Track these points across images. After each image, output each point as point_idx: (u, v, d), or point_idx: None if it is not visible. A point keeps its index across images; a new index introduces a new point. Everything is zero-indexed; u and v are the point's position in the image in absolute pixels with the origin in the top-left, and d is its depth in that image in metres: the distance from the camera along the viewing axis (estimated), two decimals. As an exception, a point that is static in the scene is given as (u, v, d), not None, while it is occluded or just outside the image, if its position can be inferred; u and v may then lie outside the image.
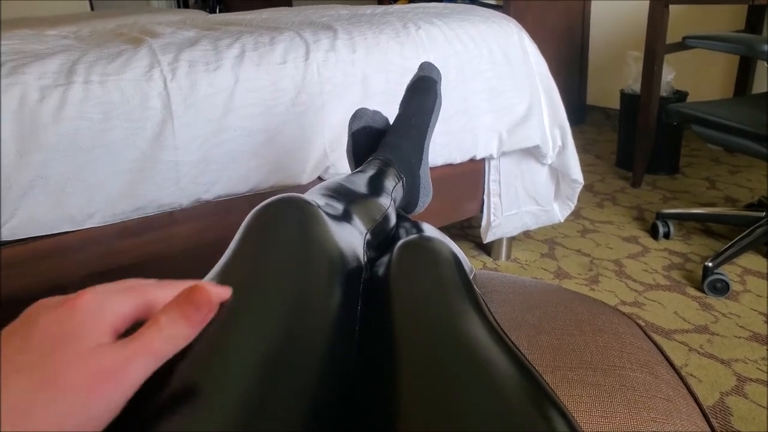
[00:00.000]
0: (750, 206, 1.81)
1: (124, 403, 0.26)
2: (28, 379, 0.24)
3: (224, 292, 0.32)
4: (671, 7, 1.98)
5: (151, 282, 0.31)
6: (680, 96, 2.21)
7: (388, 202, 0.63)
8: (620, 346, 0.55)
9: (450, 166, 1.39)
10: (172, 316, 0.29)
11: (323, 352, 0.34)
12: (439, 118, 0.84)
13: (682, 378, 0.55)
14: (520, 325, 0.58)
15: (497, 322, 0.39)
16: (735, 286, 1.47)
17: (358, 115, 0.83)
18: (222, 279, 0.37)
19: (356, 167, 0.79)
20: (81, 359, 0.26)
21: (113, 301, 0.29)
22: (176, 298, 0.30)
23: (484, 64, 1.36)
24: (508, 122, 1.41)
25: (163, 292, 0.31)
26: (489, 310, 0.41)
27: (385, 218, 0.60)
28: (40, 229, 0.93)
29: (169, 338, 0.28)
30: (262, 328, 0.33)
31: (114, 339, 0.28)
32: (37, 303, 0.28)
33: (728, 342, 1.27)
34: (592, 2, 2.86)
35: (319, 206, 0.47)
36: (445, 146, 1.33)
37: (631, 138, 2.21)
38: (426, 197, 0.81)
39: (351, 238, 0.48)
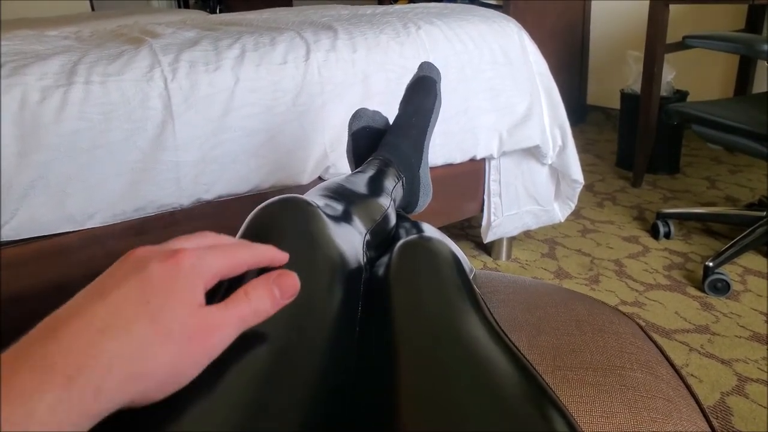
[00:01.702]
0: (750, 206, 1.81)
1: (207, 365, 0.29)
2: (148, 327, 0.27)
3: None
4: (671, 6, 1.98)
5: (230, 241, 0.35)
6: (680, 96, 2.20)
7: (387, 203, 0.63)
8: (620, 346, 0.55)
9: (450, 165, 1.39)
10: (261, 293, 0.32)
11: (323, 352, 0.35)
12: (439, 118, 0.84)
13: (682, 378, 0.55)
14: (520, 325, 0.58)
15: (497, 322, 0.40)
16: (736, 286, 1.47)
17: (358, 115, 0.83)
18: None
19: (356, 167, 0.79)
20: (189, 316, 0.28)
21: (208, 261, 0.31)
22: (265, 277, 0.33)
23: (484, 64, 1.36)
24: (508, 122, 1.41)
25: (243, 253, 0.34)
26: (489, 310, 0.41)
27: (385, 218, 0.60)
28: (41, 229, 0.93)
29: (255, 312, 0.31)
30: (262, 327, 0.33)
31: (204, 294, 0.30)
32: (138, 250, 0.30)
33: (729, 342, 1.26)
34: (593, 2, 2.86)
35: (318, 207, 0.47)
36: (445, 146, 1.33)
37: (631, 138, 2.21)
38: (426, 197, 0.81)
39: (351, 238, 0.48)
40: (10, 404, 0.22)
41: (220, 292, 0.33)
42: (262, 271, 0.35)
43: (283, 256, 0.36)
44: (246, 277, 0.34)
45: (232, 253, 0.33)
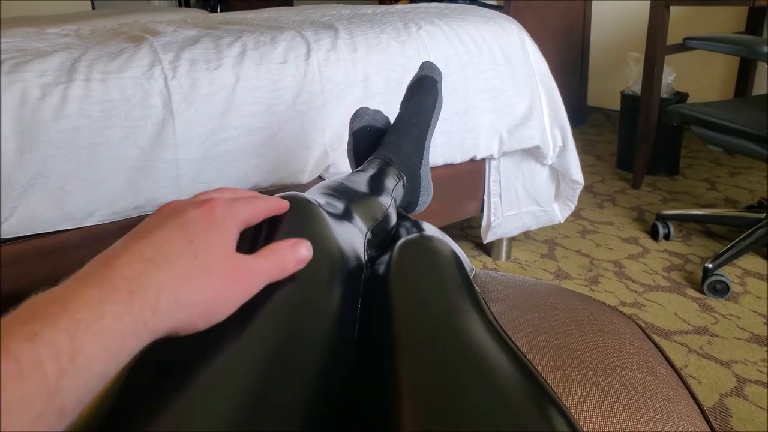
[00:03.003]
0: (750, 208, 1.81)
1: (239, 305, 0.32)
2: (190, 262, 0.30)
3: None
4: (672, 8, 1.98)
5: (247, 193, 0.39)
6: (681, 97, 2.21)
7: (388, 201, 0.63)
8: (620, 346, 0.55)
9: (450, 165, 1.39)
10: (285, 251, 0.36)
11: (323, 351, 0.34)
12: (439, 118, 0.84)
13: (682, 378, 0.55)
14: (520, 325, 0.58)
15: (497, 321, 0.39)
16: (735, 288, 1.47)
17: (359, 114, 0.83)
18: None
19: (357, 166, 0.79)
20: (225, 256, 0.32)
21: (236, 210, 0.35)
22: (286, 242, 0.37)
23: (485, 64, 1.36)
24: (508, 122, 1.41)
25: (260, 203, 0.38)
26: (489, 309, 0.41)
27: (386, 217, 0.60)
28: (40, 226, 0.93)
29: (280, 266, 0.35)
30: (261, 326, 0.33)
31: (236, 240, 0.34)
32: (173, 202, 0.34)
33: (728, 343, 1.26)
34: (593, 3, 2.86)
35: (319, 205, 0.47)
36: (445, 146, 1.33)
37: (631, 139, 2.21)
38: (426, 197, 0.81)
39: (351, 236, 0.48)
40: (80, 310, 0.25)
41: (244, 242, 0.36)
42: (270, 225, 0.40)
43: (285, 204, 0.42)
44: (261, 231, 0.39)
45: (254, 202, 0.37)
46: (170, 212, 0.33)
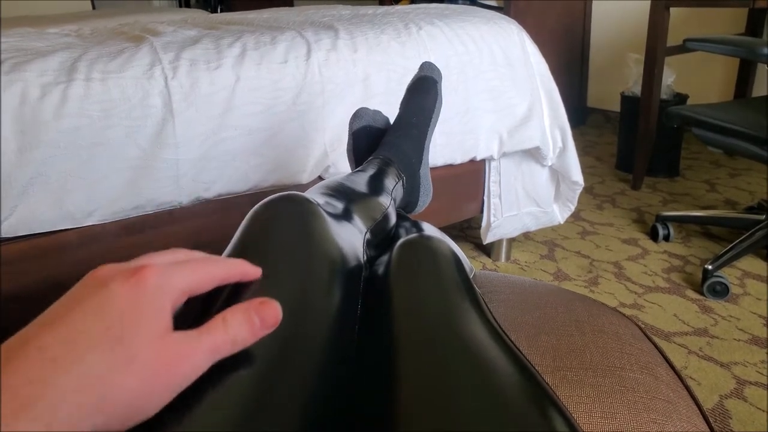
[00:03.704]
0: (750, 209, 1.81)
1: (176, 394, 0.27)
2: (107, 356, 0.25)
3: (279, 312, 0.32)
4: (672, 9, 1.98)
5: (201, 256, 0.33)
6: (681, 99, 2.21)
7: (388, 202, 0.63)
8: (620, 347, 0.55)
9: (450, 166, 1.39)
10: (239, 320, 0.29)
11: (323, 351, 0.34)
12: (439, 119, 0.84)
13: (682, 380, 0.55)
14: (519, 326, 0.58)
15: (497, 322, 0.39)
16: (735, 289, 1.47)
17: (359, 114, 0.83)
18: None
19: (356, 166, 0.79)
20: (155, 343, 0.26)
21: (175, 278, 0.29)
22: (246, 305, 0.30)
23: (485, 64, 1.36)
24: (508, 123, 1.41)
25: (212, 267, 0.32)
26: (489, 310, 0.41)
27: (385, 217, 0.60)
28: (40, 226, 0.93)
29: (231, 341, 0.29)
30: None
31: (172, 315, 0.28)
32: (100, 269, 0.28)
33: (728, 345, 1.26)
34: (593, 4, 2.86)
35: (319, 205, 0.47)
36: (445, 146, 1.33)
37: (631, 140, 2.21)
38: (426, 197, 0.81)
39: (351, 236, 0.48)
40: None
41: (192, 314, 0.31)
42: (236, 289, 0.34)
43: (255, 271, 0.35)
44: (220, 297, 0.33)
45: (200, 267, 0.31)
46: (91, 288, 0.27)
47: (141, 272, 0.28)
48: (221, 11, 4.08)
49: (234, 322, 0.29)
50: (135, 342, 0.26)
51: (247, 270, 0.34)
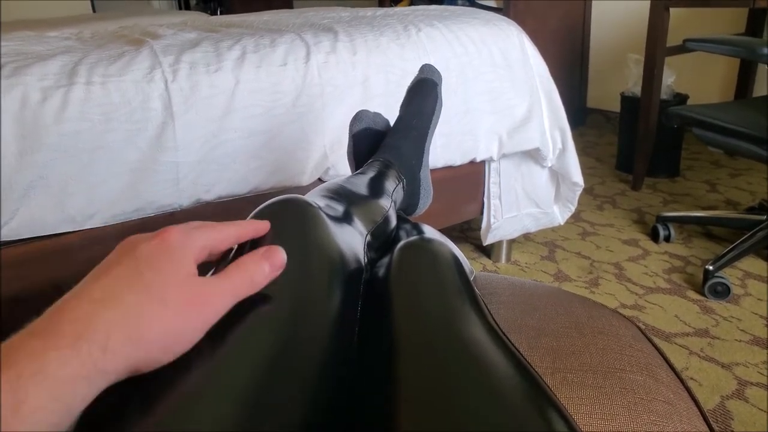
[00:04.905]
0: (751, 209, 1.81)
1: (206, 331, 0.31)
2: (140, 296, 0.29)
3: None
4: (672, 9, 1.98)
5: (211, 223, 0.37)
6: (681, 99, 2.21)
7: (388, 204, 0.63)
8: (620, 348, 0.55)
9: (450, 168, 1.39)
10: (254, 262, 0.34)
11: (323, 353, 0.34)
12: (439, 120, 0.84)
13: (682, 381, 0.55)
14: (520, 327, 0.58)
15: (497, 324, 0.39)
16: (736, 290, 1.47)
17: (359, 116, 0.83)
18: None
19: (357, 169, 0.79)
20: (180, 284, 0.30)
21: (194, 237, 0.34)
22: (254, 252, 0.35)
23: (484, 66, 1.36)
24: (508, 124, 1.41)
25: (227, 227, 0.37)
26: (489, 312, 0.41)
27: (386, 220, 0.60)
28: (41, 229, 0.93)
29: (249, 282, 0.33)
30: (262, 328, 0.33)
31: (196, 266, 0.33)
32: (128, 238, 0.33)
33: (729, 346, 1.26)
34: (593, 4, 2.86)
35: (319, 207, 0.47)
36: (445, 148, 1.33)
37: (631, 141, 2.21)
38: (426, 199, 0.81)
39: (351, 239, 0.48)
40: (21, 362, 0.24)
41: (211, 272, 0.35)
42: (250, 249, 0.37)
43: (264, 225, 0.39)
44: (241, 252, 0.37)
45: (216, 228, 0.36)
46: (124, 249, 0.32)
47: (164, 233, 0.32)
48: (221, 13, 4.08)
49: (249, 266, 0.34)
50: (163, 285, 0.30)
51: (257, 226, 0.39)
